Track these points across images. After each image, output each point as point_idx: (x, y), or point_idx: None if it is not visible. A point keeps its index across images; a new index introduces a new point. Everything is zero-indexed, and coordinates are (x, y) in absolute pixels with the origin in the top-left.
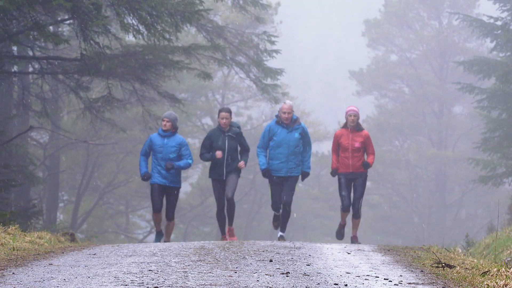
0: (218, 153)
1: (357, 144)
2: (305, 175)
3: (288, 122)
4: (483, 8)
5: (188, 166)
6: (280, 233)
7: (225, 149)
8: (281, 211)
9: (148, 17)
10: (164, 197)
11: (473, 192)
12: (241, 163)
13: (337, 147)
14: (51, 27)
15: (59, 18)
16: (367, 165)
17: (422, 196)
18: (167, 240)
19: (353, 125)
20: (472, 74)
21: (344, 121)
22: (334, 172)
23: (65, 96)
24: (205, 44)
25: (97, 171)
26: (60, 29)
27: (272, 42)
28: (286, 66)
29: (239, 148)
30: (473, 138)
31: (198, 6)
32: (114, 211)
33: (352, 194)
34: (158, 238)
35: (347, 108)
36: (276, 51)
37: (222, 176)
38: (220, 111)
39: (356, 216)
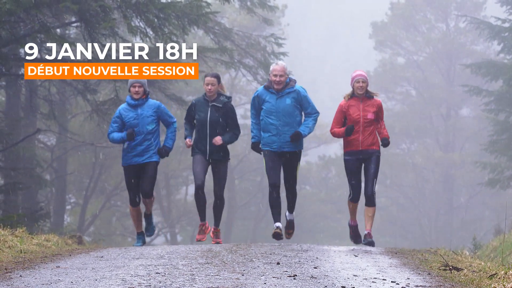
0: (187, 142)
1: (370, 115)
2: (296, 134)
3: (279, 87)
4: (490, 11)
5: (175, 131)
6: (288, 217)
7: (206, 121)
8: (280, 217)
9: (156, 20)
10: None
11: (480, 194)
12: (217, 138)
13: (341, 121)
14: (58, 30)
15: (66, 21)
16: (387, 142)
17: (429, 198)
18: (148, 212)
19: (361, 93)
20: (479, 76)
21: (347, 91)
22: (349, 129)
23: (73, 98)
24: (212, 47)
25: (104, 173)
26: (67, 31)
27: (280, 45)
28: (293, 68)
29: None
30: (480, 141)
31: (205, 8)
32: (121, 214)
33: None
34: (139, 242)
35: (353, 74)
36: (284, 54)
37: (205, 155)
38: (205, 75)
39: (370, 203)
